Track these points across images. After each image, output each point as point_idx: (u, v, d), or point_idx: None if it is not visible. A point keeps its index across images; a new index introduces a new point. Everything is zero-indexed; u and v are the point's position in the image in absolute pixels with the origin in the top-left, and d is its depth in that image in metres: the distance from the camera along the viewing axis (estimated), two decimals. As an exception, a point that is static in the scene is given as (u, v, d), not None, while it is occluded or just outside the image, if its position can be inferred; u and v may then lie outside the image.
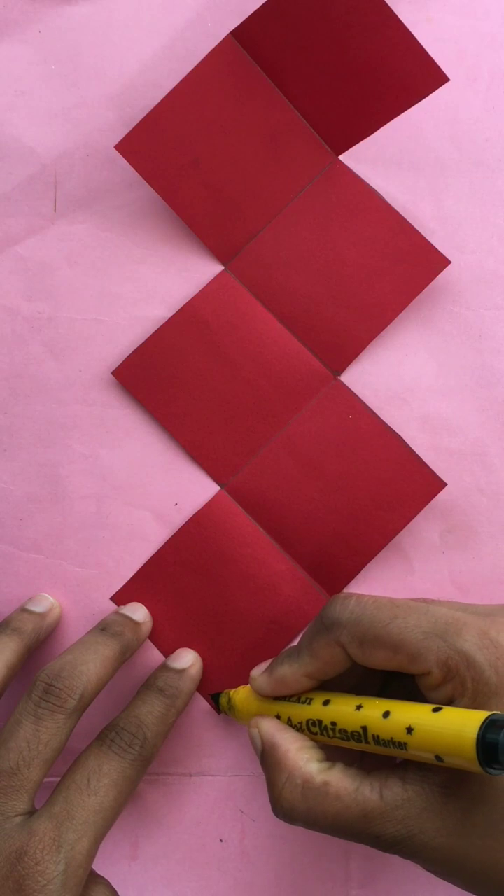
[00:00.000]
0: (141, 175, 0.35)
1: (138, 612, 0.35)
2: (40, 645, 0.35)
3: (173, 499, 0.36)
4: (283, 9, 0.34)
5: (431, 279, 0.35)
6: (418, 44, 0.34)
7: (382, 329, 0.36)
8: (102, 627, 0.34)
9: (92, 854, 0.28)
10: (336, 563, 0.35)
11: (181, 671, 0.34)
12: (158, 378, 0.36)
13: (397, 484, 0.35)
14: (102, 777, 0.29)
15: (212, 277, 0.36)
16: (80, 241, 0.37)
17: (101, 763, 0.30)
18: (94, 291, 0.37)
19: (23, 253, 0.37)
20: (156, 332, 0.36)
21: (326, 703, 0.28)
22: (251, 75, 0.35)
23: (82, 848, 0.28)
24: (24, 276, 0.37)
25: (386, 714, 0.26)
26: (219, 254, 0.36)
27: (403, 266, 0.35)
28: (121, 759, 0.30)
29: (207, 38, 0.36)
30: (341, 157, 0.36)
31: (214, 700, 0.34)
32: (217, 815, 0.35)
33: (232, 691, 0.33)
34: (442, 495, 0.35)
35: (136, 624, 0.34)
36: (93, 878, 0.29)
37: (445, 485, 0.35)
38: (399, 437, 0.35)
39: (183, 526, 0.36)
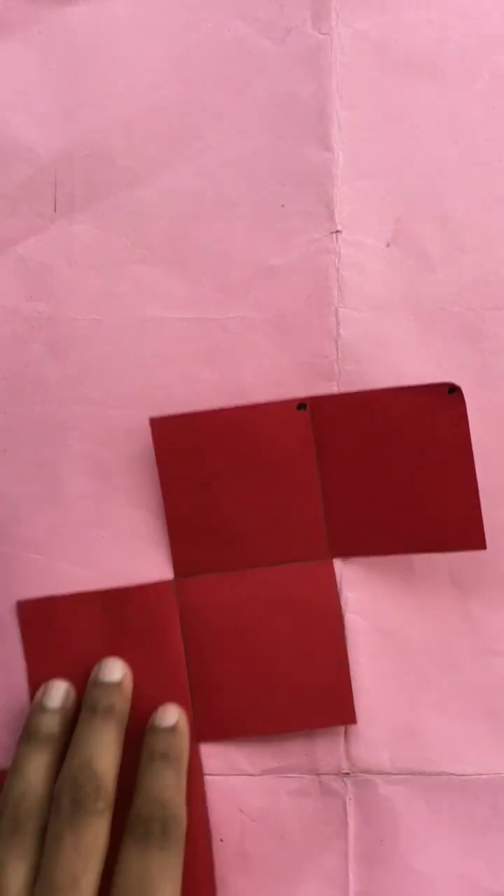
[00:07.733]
0: None
1: (115, 671, 0.34)
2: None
3: (173, 499, 0.36)
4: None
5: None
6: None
7: (394, 554, 0.35)
8: (91, 708, 0.32)
9: None
10: (223, 716, 0.35)
11: (172, 728, 0.33)
12: (189, 447, 0.35)
13: (316, 693, 0.35)
14: (155, 880, 0.29)
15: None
16: (80, 241, 0.37)
17: (149, 865, 0.29)
18: (94, 291, 0.37)
19: (23, 253, 0.37)
20: (207, 412, 0.35)
21: None
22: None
23: None
24: (24, 276, 0.37)
25: None
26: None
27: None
28: (163, 850, 0.29)
29: (207, 38, 0.36)
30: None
31: None
32: (217, 815, 0.35)
33: None
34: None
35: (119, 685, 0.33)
36: None
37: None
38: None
39: (121, 589, 0.35)
